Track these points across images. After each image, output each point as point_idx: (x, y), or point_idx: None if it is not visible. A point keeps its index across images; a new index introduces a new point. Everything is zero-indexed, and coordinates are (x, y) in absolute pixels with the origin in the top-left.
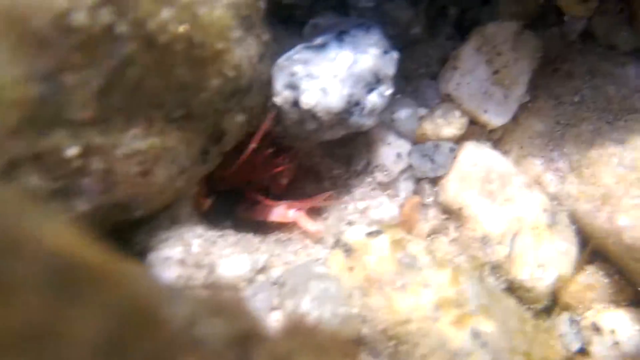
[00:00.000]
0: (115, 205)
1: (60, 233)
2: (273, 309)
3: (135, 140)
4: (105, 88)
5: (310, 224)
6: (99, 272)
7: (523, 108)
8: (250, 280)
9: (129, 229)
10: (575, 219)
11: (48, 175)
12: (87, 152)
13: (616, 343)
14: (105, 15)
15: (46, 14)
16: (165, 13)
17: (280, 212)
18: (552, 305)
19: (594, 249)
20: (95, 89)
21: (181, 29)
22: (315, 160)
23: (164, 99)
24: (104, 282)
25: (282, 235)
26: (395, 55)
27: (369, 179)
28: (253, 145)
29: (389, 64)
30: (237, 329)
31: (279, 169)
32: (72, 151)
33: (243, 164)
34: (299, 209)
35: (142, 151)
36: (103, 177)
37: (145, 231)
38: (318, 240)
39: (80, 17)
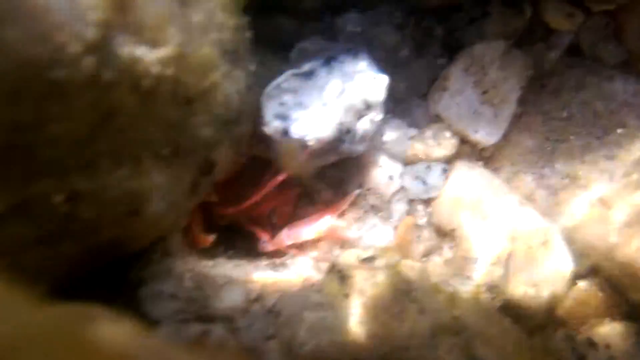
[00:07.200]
0: (103, 246)
1: None
2: (269, 337)
3: (122, 182)
4: (90, 136)
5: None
6: None
7: (513, 124)
8: (245, 311)
9: (122, 264)
10: (568, 235)
11: (33, 223)
12: (73, 198)
13: (611, 357)
14: (89, 64)
15: (28, 70)
16: (150, 56)
17: (313, 227)
18: (547, 322)
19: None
20: (82, 137)
21: (168, 71)
22: (307, 184)
23: (152, 139)
24: None
25: (275, 260)
26: (384, 80)
27: (362, 202)
28: (262, 193)
29: (378, 90)
30: None
31: (284, 196)
32: (58, 198)
33: (247, 198)
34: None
35: (130, 191)
36: (90, 221)
37: (136, 265)
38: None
39: (62, 69)
